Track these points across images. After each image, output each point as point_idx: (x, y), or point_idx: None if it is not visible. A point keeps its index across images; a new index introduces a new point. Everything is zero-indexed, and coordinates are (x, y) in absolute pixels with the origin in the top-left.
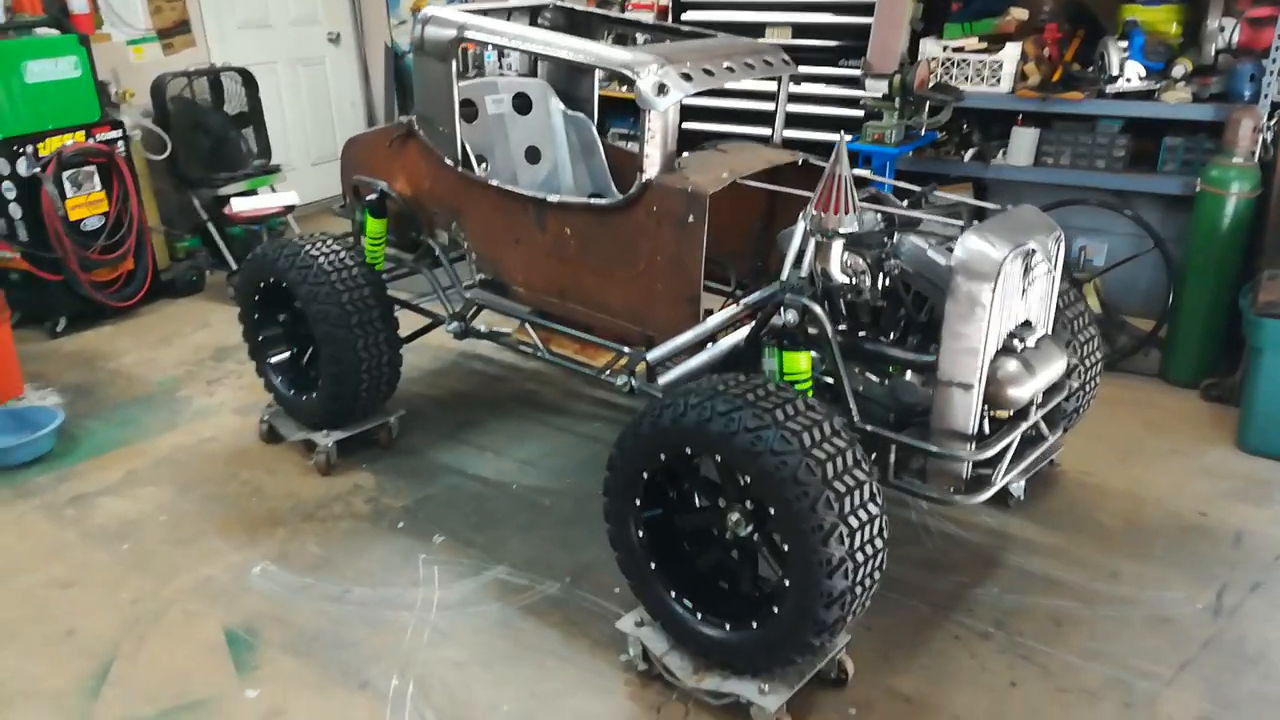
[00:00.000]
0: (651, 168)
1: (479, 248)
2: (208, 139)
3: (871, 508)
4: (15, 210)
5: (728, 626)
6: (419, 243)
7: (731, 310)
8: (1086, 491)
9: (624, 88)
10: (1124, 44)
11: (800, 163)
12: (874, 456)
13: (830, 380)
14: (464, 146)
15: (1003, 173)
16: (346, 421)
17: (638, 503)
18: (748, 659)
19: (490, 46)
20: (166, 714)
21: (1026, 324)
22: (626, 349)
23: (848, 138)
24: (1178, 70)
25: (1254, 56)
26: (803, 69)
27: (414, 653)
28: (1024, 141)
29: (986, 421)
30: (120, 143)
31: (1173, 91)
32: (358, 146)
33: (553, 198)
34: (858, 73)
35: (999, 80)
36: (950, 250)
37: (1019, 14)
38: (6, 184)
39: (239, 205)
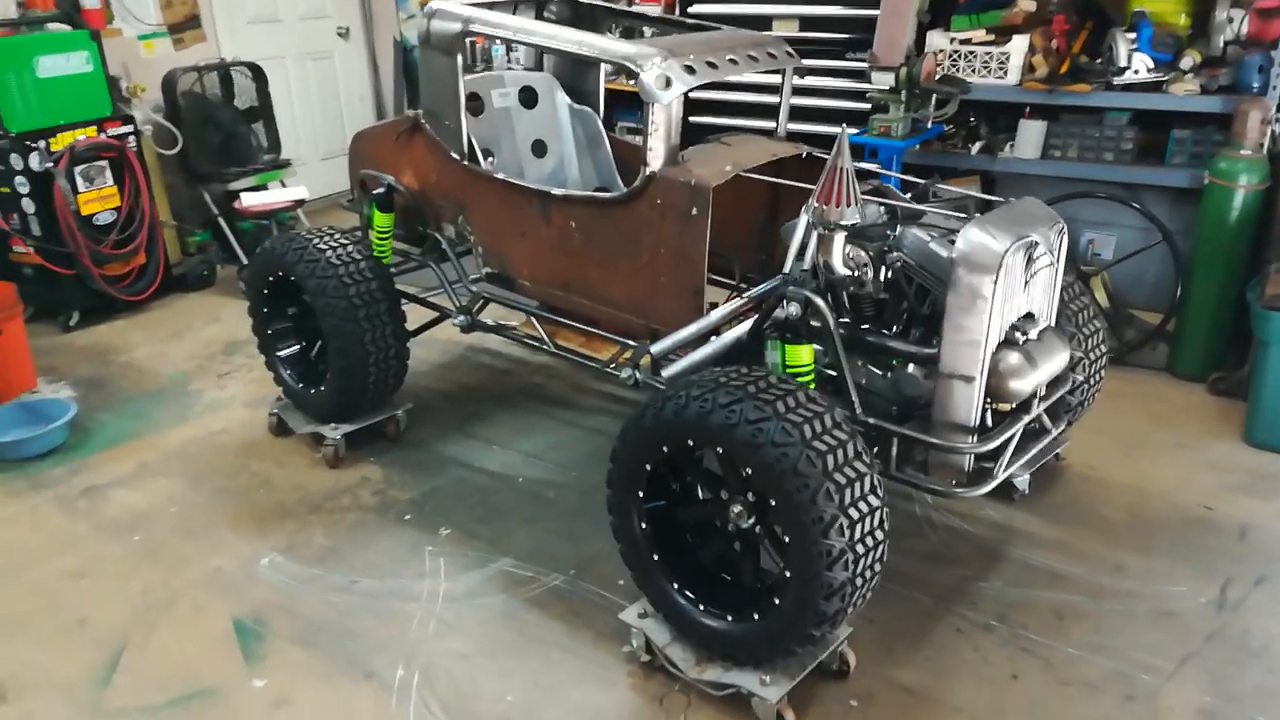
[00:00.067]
0: (655, 161)
1: (485, 241)
2: (218, 134)
3: (872, 500)
4: (28, 205)
5: (729, 618)
6: (426, 236)
7: (735, 303)
8: (1091, 485)
9: (631, 81)
10: (1132, 36)
11: (804, 156)
12: (876, 449)
13: (833, 373)
14: (470, 140)
15: (1010, 166)
16: (354, 414)
17: (640, 495)
18: (749, 650)
19: (498, 40)
20: (176, 702)
21: (1029, 316)
22: (631, 342)
23: (851, 130)
24: (1186, 62)
25: (1263, 48)
26: (809, 62)
27: (419, 643)
28: (1031, 134)
29: (989, 414)
30: (131, 138)
31: (1181, 83)
32: (365, 140)
33: (557, 191)
34: (864, 66)
35: (1006, 72)
36: (953, 243)
37: (1026, 6)
38: (19, 179)
39: (249, 200)
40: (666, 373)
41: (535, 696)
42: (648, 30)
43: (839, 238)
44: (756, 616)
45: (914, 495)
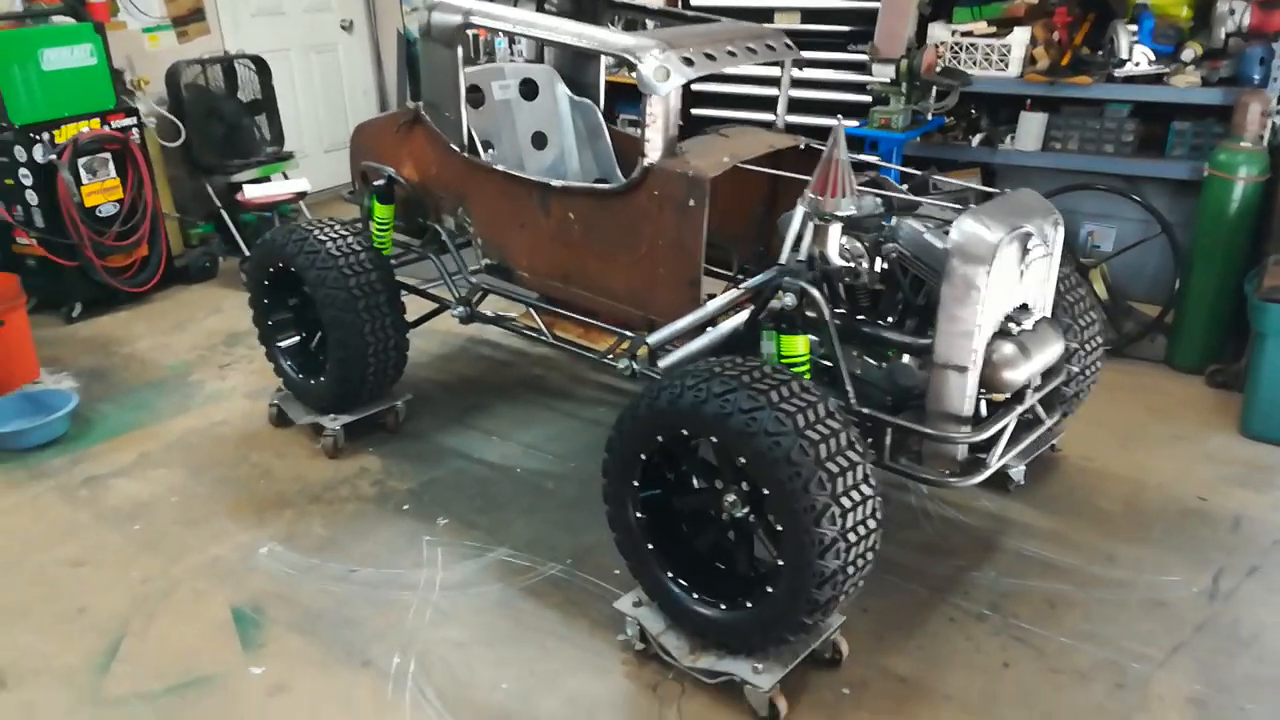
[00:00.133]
0: (653, 152)
1: (484, 233)
2: (221, 126)
3: (865, 489)
4: (32, 197)
5: (723, 606)
6: (426, 228)
7: (731, 294)
8: (1087, 476)
9: (631, 73)
10: (1134, 28)
11: (802, 147)
12: (871, 439)
13: (828, 363)
14: (470, 132)
15: (1010, 158)
16: (354, 405)
17: (636, 484)
18: (742, 638)
19: (499, 32)
20: (174, 690)
21: (1023, 307)
22: (629, 333)
23: (848, 122)
24: (1187, 54)
25: (1264, 40)
26: (810, 54)
27: (416, 632)
28: (1032, 126)
29: (983, 404)
30: (135, 130)
31: (1182, 75)
32: (366, 132)
33: (556, 182)
34: (865, 58)
35: (1007, 65)
36: (948, 234)
37: None
38: (23, 171)
39: (252, 192)
40: (663, 363)
41: (530, 684)
42: (649, 23)
43: (834, 229)
44: (749, 605)
45: (910, 486)
